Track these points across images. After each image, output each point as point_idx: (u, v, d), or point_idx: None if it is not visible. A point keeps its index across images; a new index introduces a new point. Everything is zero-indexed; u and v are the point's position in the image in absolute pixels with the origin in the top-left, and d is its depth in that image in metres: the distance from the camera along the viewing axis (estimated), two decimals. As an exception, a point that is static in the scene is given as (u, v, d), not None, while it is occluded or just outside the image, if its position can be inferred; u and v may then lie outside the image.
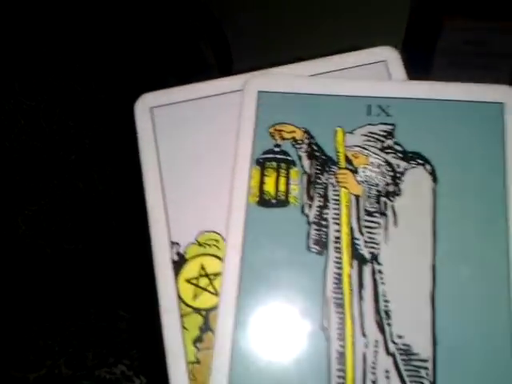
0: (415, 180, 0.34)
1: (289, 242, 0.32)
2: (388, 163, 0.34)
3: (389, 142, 0.35)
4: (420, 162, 0.34)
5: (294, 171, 0.34)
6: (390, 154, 0.34)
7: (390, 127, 0.35)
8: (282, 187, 0.34)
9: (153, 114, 0.36)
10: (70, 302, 0.53)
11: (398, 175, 0.34)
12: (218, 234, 0.34)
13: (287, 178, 0.34)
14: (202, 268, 0.33)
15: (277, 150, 0.34)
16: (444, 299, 0.31)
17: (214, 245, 0.34)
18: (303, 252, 0.32)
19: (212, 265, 0.33)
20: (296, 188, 0.34)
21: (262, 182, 0.34)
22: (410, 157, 0.34)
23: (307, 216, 0.33)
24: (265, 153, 0.34)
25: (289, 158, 0.34)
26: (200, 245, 0.33)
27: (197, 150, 0.36)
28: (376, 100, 0.35)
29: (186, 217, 0.34)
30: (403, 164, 0.34)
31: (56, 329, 0.53)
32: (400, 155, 0.34)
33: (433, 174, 0.34)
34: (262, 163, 0.34)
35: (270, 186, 0.34)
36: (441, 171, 0.34)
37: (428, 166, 0.34)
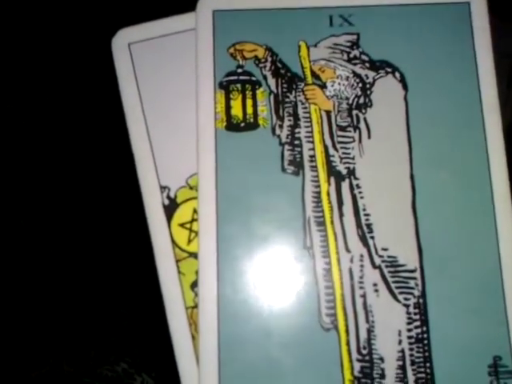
0: (385, 89, 0.33)
1: (263, 165, 0.31)
2: (356, 74, 0.33)
3: (355, 53, 0.33)
4: (388, 70, 0.33)
5: (260, 92, 0.32)
6: (358, 64, 0.33)
7: (354, 37, 0.33)
8: (249, 109, 0.32)
9: (131, 50, 0.34)
10: (71, 301, 0.52)
11: (367, 86, 0.33)
12: None
13: (254, 99, 0.32)
14: (195, 211, 0.31)
15: (240, 71, 0.33)
16: (425, 207, 0.31)
17: (206, 187, 0.32)
18: (279, 174, 0.31)
19: (204, 208, 0.32)
20: (264, 109, 0.32)
21: (228, 106, 0.32)
22: (378, 66, 0.33)
23: (279, 137, 0.32)
24: (227, 75, 0.33)
25: (253, 79, 0.33)
26: (191, 188, 0.32)
27: (180, 87, 0.33)
28: (337, 10, 0.34)
29: (174, 159, 0.32)
30: (372, 74, 0.33)
31: (58, 327, 0.51)
32: (367, 65, 0.33)
33: (403, 81, 0.32)
34: (225, 86, 0.32)
35: (237, 110, 0.32)
36: (411, 78, 0.33)
37: (397, 74, 0.33)
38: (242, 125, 0.32)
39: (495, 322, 0.30)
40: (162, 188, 0.32)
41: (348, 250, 0.30)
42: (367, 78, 0.33)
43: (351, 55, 0.33)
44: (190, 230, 0.31)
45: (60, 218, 0.51)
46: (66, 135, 0.49)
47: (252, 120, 0.32)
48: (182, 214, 0.32)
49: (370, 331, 0.29)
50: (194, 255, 0.31)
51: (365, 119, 0.32)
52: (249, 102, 0.32)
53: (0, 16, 0.48)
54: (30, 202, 0.50)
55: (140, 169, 0.32)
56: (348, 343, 0.29)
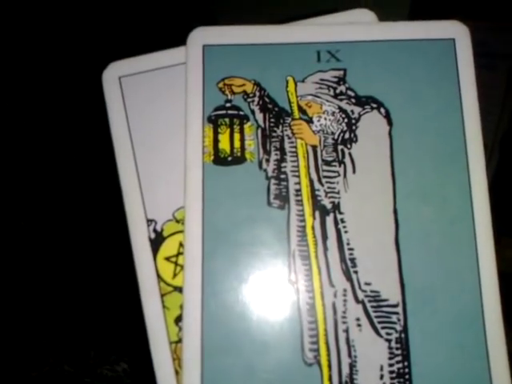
0: (370, 124, 0.32)
1: (249, 198, 0.31)
2: (342, 110, 0.32)
3: (341, 88, 0.33)
4: (374, 105, 0.32)
5: (247, 126, 0.32)
6: (344, 100, 0.33)
7: (340, 72, 0.33)
8: (237, 144, 0.32)
9: (121, 83, 0.33)
10: (72, 301, 0.51)
11: (353, 121, 0.32)
12: None
13: (241, 133, 0.32)
14: (181, 245, 0.31)
15: (228, 105, 0.32)
16: (408, 242, 0.30)
17: (193, 221, 0.31)
18: (264, 208, 0.31)
19: (191, 242, 0.31)
20: (251, 143, 0.32)
21: (216, 140, 0.32)
22: (364, 101, 0.33)
23: (265, 171, 0.31)
24: (216, 109, 0.32)
25: (241, 113, 0.32)
26: (177, 221, 0.31)
27: (170, 121, 0.33)
28: (325, 45, 0.33)
29: (161, 193, 0.32)
30: (357, 109, 0.32)
31: (59, 327, 0.51)
32: (353, 100, 0.33)
33: (387, 116, 0.32)
34: (214, 120, 0.32)
35: (224, 144, 0.32)
36: (396, 113, 0.32)
37: (382, 109, 0.32)
38: (230, 159, 0.32)
39: (476, 356, 0.29)
40: (149, 221, 0.31)
41: (332, 285, 0.30)
42: (353, 113, 0.32)
43: (337, 91, 0.33)
44: (176, 263, 0.31)
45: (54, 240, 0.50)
46: (56, 167, 0.48)
47: (239, 154, 0.32)
48: (168, 247, 0.31)
49: (352, 366, 0.29)
50: (179, 289, 0.30)
51: (350, 154, 0.32)
52: (236, 136, 0.32)
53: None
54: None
55: (127, 202, 0.31)
56: (330, 378, 0.29)
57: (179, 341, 0.29)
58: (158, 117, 0.33)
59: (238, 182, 0.31)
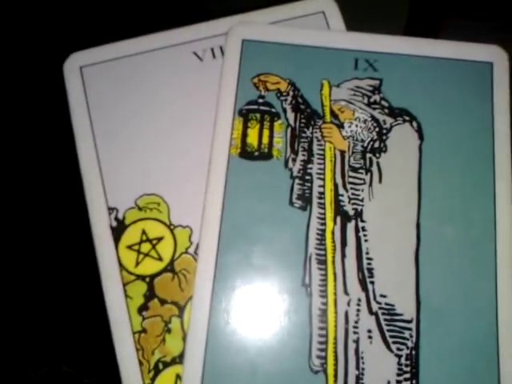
0: (401, 137, 0.31)
1: (271, 195, 0.29)
2: (374, 119, 0.31)
3: (375, 97, 0.32)
4: (407, 118, 0.31)
5: (278, 124, 0.31)
6: (377, 109, 0.31)
7: (376, 82, 0.32)
8: (265, 140, 0.31)
9: (83, 73, 0.33)
10: (71, 301, 0.50)
11: (384, 131, 0.31)
12: (159, 196, 0.30)
13: (271, 130, 0.31)
14: (144, 233, 0.30)
15: (261, 101, 0.31)
16: (428, 259, 0.29)
17: (156, 208, 0.30)
18: (286, 207, 0.29)
19: (154, 229, 0.30)
20: (280, 141, 0.31)
21: (244, 134, 0.31)
22: (397, 113, 0.31)
23: (291, 170, 0.30)
24: (248, 104, 0.31)
25: (273, 110, 0.31)
26: (140, 209, 0.30)
27: (131, 110, 0.32)
28: (364, 54, 0.32)
29: (123, 180, 0.31)
30: (390, 120, 0.31)
31: (58, 328, 0.50)
32: (386, 111, 0.31)
33: (419, 131, 0.31)
34: (245, 114, 0.31)
35: (252, 138, 0.31)
36: (427, 129, 0.31)
37: (415, 123, 0.31)
38: (256, 154, 0.31)
39: (486, 381, 0.27)
40: (110, 209, 0.30)
41: (346, 293, 0.29)
42: (385, 123, 0.31)
43: (372, 99, 0.32)
44: (139, 251, 0.30)
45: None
46: (15, 155, 0.47)
47: (266, 150, 0.31)
48: (130, 235, 0.30)
49: (358, 378, 0.28)
50: (142, 278, 0.29)
51: (378, 163, 0.31)
52: (265, 133, 0.31)
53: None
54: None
55: (88, 189, 0.31)
56: (335, 388, 0.27)
57: (143, 331, 0.28)
58: (119, 105, 0.32)
59: (262, 177, 0.30)
